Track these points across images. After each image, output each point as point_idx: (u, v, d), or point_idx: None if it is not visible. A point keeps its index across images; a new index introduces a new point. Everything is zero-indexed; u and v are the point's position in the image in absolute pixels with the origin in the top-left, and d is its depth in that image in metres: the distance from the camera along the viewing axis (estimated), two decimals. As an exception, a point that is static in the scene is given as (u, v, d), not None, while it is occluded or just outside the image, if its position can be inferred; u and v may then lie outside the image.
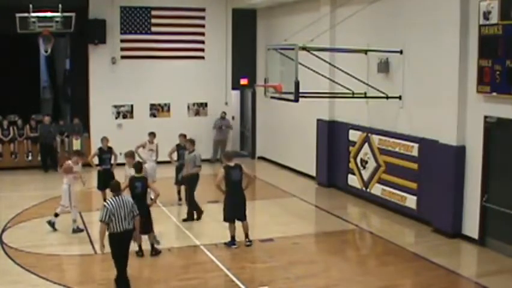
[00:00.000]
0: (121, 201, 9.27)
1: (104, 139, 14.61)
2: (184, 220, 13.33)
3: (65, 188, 12.50)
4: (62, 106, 23.77)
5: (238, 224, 11.72)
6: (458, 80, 11.91)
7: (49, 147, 18.91)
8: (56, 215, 12.54)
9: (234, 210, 11.63)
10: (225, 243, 11.70)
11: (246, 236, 11.77)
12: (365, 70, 14.87)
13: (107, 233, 9.25)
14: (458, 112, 11.99)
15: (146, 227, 11.00)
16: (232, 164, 11.68)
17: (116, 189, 9.43)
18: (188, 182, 13.47)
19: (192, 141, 13.67)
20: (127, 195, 9.90)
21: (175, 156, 14.67)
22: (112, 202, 9.23)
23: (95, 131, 19.19)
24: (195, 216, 13.40)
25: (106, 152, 14.51)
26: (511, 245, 11.09)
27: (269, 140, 21.17)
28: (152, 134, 15.24)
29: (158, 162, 15.14)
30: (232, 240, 11.65)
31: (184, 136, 14.80)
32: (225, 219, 11.69)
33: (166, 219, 13.42)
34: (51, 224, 12.52)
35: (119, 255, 9.29)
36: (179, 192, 14.59)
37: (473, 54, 11.59)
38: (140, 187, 10.90)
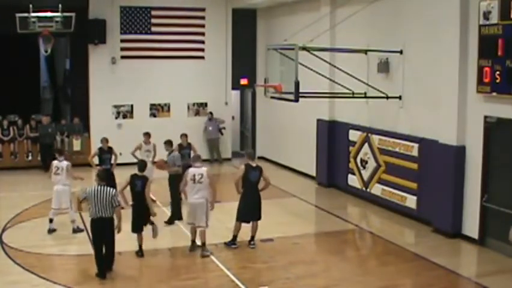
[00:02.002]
0: (100, 191, 9.92)
1: (104, 140, 14.60)
2: (167, 222, 13.16)
3: (64, 189, 12.44)
4: (62, 106, 23.77)
5: (244, 224, 11.71)
6: (458, 80, 11.91)
7: (49, 147, 18.88)
8: (51, 220, 12.52)
9: (248, 211, 11.59)
10: (225, 243, 11.69)
11: (252, 238, 11.74)
12: (365, 70, 14.87)
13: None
14: (458, 112, 11.99)
15: (143, 221, 11.10)
16: (254, 164, 11.66)
17: (102, 179, 10.21)
18: (171, 183, 13.25)
19: (170, 142, 13.67)
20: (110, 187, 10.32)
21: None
22: (92, 188, 9.98)
23: (95, 131, 19.22)
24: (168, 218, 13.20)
25: (106, 152, 14.49)
26: (511, 245, 11.08)
27: (269, 140, 21.17)
28: (147, 135, 15.22)
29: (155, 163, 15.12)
30: (233, 240, 11.65)
31: (186, 136, 14.81)
32: (237, 219, 11.66)
33: (166, 219, 13.40)
34: (51, 230, 12.50)
35: (96, 239, 10.12)
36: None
37: (473, 54, 11.59)
38: (140, 185, 11.02)
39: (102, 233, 10.02)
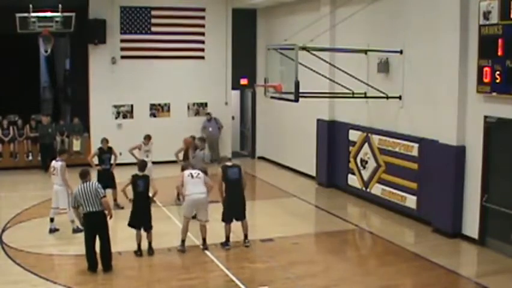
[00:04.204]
0: (87, 187, 10.24)
1: (104, 140, 14.59)
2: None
3: (60, 189, 12.45)
4: (62, 106, 23.78)
5: (236, 224, 11.71)
6: (458, 80, 11.91)
7: (49, 147, 18.89)
8: (52, 219, 12.54)
9: (232, 210, 11.61)
10: (221, 244, 11.70)
11: (245, 237, 11.77)
12: (365, 70, 14.87)
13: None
14: (458, 112, 11.99)
15: (149, 223, 11.19)
16: (229, 163, 11.80)
17: (84, 177, 10.41)
18: None
19: (203, 139, 14.35)
20: (95, 181, 10.75)
21: (181, 156, 14.80)
22: (79, 188, 10.28)
23: (95, 131, 19.21)
24: None
25: (105, 152, 14.48)
26: (511, 245, 11.09)
27: (269, 140, 21.16)
28: (147, 137, 15.14)
29: (155, 163, 15.15)
30: (227, 241, 11.65)
31: (193, 138, 14.90)
32: (223, 219, 11.67)
33: (166, 219, 13.42)
34: (52, 230, 12.51)
35: (88, 234, 10.29)
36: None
37: (473, 54, 11.59)
38: (142, 185, 11.13)
39: (95, 226, 10.20)
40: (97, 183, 10.44)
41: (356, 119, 15.70)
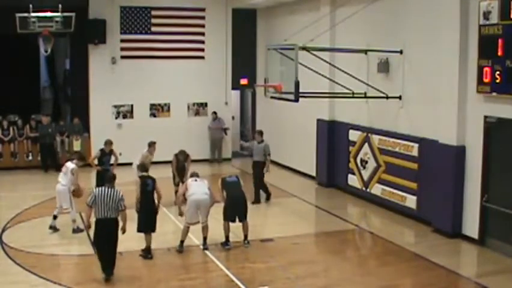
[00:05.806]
0: (109, 192, 9.95)
1: (108, 143, 14.47)
2: (253, 203, 14.39)
3: (63, 189, 12.47)
4: (62, 106, 23.77)
5: (236, 224, 11.72)
6: (458, 80, 11.91)
7: (49, 148, 18.90)
8: (55, 217, 12.54)
9: (233, 210, 11.65)
10: (221, 244, 11.72)
11: (245, 237, 11.79)
12: (365, 70, 14.87)
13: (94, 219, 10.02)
14: (458, 112, 11.99)
15: (153, 225, 11.18)
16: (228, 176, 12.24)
17: (110, 181, 10.29)
18: (256, 169, 15.06)
19: (261, 133, 15.25)
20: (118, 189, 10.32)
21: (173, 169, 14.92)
22: (100, 190, 10.02)
23: (95, 131, 19.23)
24: (265, 198, 15.22)
25: (106, 154, 14.47)
26: (511, 245, 11.09)
27: (269, 140, 20.95)
28: (153, 144, 14.89)
29: (155, 163, 15.14)
30: (227, 241, 11.66)
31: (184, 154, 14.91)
32: (224, 219, 11.72)
33: (166, 219, 13.41)
34: (53, 227, 12.51)
35: (99, 240, 10.02)
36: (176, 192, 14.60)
37: (473, 54, 11.59)
38: (151, 185, 11.20)
39: (106, 233, 9.92)
40: (121, 194, 10.05)
41: (356, 119, 15.70)
